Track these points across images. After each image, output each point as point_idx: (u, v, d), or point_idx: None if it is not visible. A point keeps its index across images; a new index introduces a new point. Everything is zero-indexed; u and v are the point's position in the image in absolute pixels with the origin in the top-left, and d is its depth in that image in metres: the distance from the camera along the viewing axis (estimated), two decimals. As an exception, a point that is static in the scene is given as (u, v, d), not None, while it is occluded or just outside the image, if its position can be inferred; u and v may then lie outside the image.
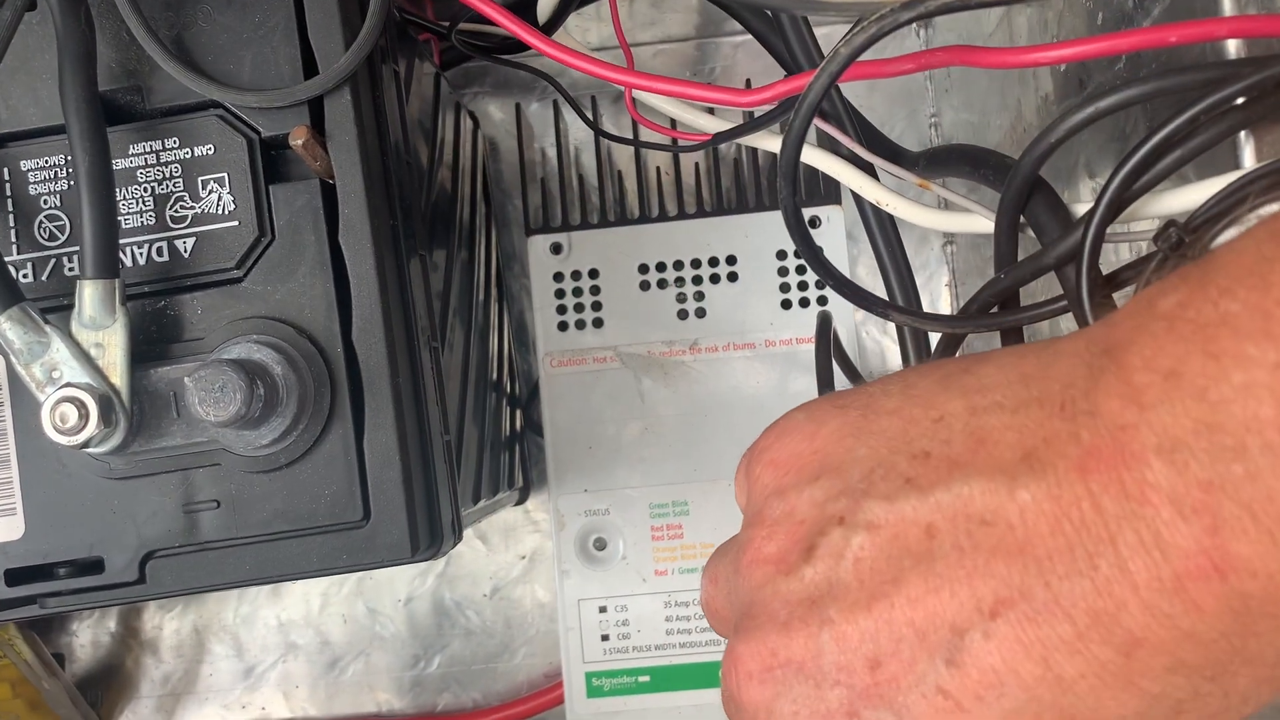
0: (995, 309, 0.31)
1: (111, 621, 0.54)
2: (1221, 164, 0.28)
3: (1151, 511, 0.17)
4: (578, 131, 0.53)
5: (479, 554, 0.54)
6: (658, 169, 0.50)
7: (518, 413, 0.53)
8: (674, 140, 0.40)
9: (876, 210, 0.36)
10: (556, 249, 0.48)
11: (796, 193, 0.28)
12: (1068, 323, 0.37)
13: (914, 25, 0.52)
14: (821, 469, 0.21)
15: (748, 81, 0.52)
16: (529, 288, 0.54)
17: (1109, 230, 0.28)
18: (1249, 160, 0.27)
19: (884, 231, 0.36)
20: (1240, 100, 0.27)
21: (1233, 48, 0.27)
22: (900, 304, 0.35)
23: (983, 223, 0.32)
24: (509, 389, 0.52)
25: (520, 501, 0.53)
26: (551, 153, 0.52)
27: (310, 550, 0.32)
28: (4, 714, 0.48)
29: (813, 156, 0.36)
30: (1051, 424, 0.18)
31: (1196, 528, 0.16)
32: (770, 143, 0.39)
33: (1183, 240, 0.27)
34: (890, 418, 0.21)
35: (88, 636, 0.54)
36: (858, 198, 0.36)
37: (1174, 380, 0.17)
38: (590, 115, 0.50)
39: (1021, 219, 0.30)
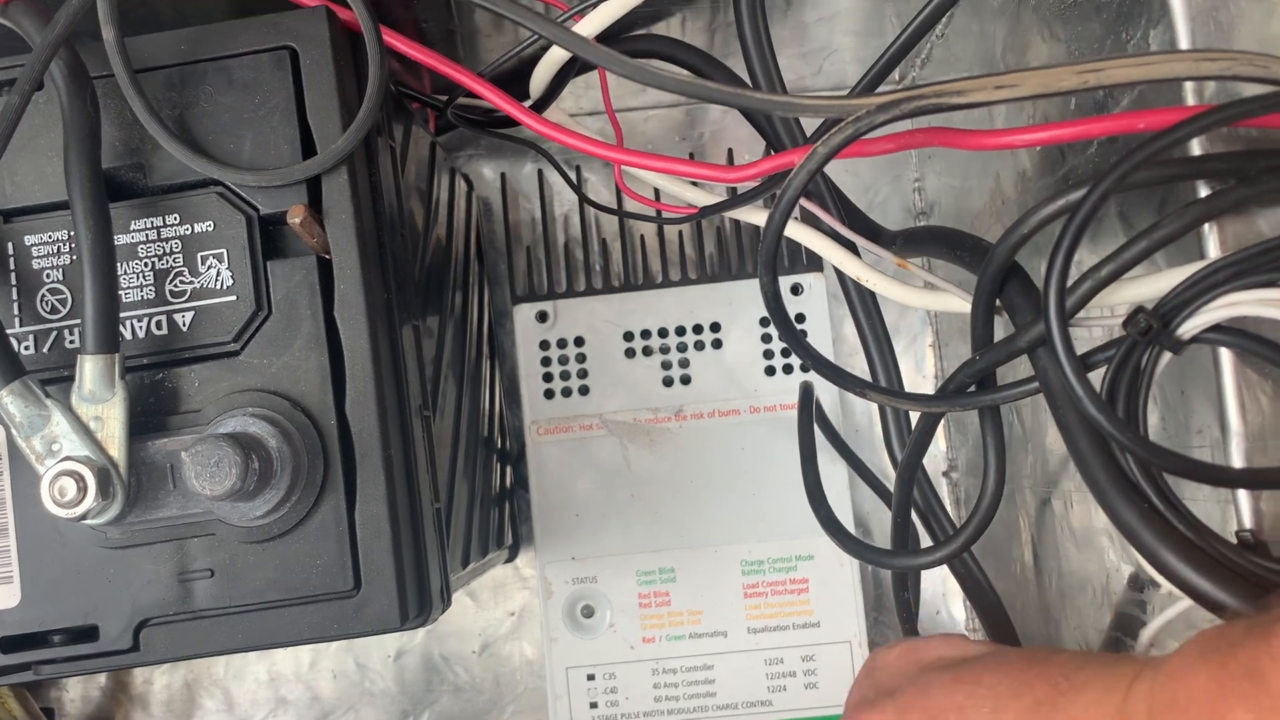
0: (972, 388, 0.32)
1: (102, 677, 0.55)
2: (1189, 252, 0.29)
3: None
4: (566, 196, 0.54)
5: (468, 611, 0.55)
6: (642, 236, 0.51)
7: (508, 469, 0.54)
8: (658, 212, 0.42)
9: (858, 286, 0.37)
10: (542, 317, 0.49)
11: (775, 279, 0.29)
12: (1039, 402, 0.38)
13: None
14: None
15: (729, 154, 0.53)
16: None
17: (1081, 315, 0.29)
18: (1214, 250, 0.28)
19: (865, 307, 0.37)
20: (1204, 192, 0.28)
21: (1195, 141, 0.28)
22: (881, 380, 0.36)
23: (959, 303, 0.33)
24: (499, 445, 0.53)
25: (510, 559, 0.53)
26: (539, 218, 0.53)
27: (302, 619, 0.33)
28: (-7, 771, 0.49)
29: (796, 232, 0.37)
30: None
31: None
32: (754, 216, 0.40)
33: (1151, 326, 0.28)
34: None
35: (78, 692, 0.55)
36: (840, 274, 0.37)
37: None
38: (577, 182, 0.51)
39: (997, 303, 0.31)
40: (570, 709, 0.47)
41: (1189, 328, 0.27)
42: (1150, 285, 0.29)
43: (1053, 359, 0.28)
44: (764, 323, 0.48)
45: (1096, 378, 0.29)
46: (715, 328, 0.48)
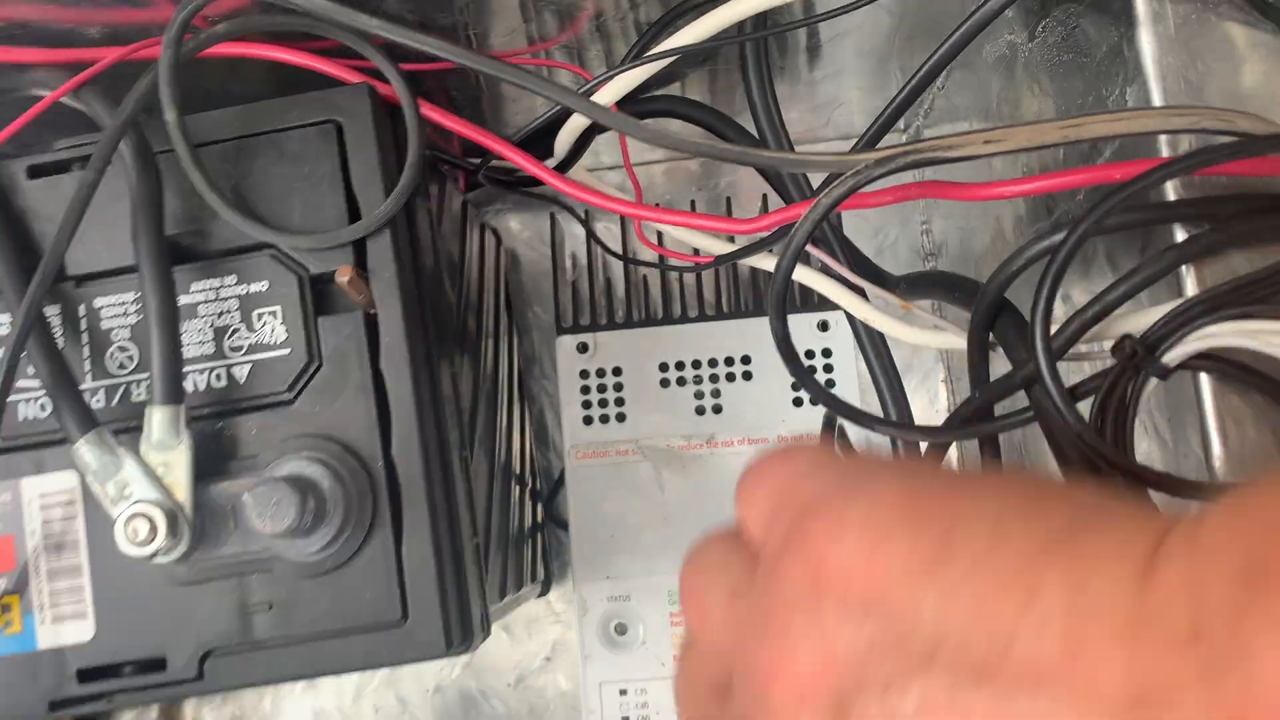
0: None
1: (153, 713, 0.57)
2: (1174, 289, 0.31)
3: None
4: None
5: (503, 645, 0.57)
6: (680, 275, 0.53)
7: (539, 507, 0.56)
8: (661, 259, 0.44)
9: (867, 327, 0.39)
10: (583, 348, 0.51)
11: (784, 322, 0.32)
12: (1034, 431, 0.40)
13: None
14: (873, 604, 0.17)
15: (727, 203, 0.56)
16: (548, 389, 0.58)
17: (1074, 349, 0.31)
18: (1191, 288, 0.31)
19: (874, 346, 0.40)
20: (1180, 235, 0.31)
21: (1170, 187, 0.31)
22: (891, 414, 0.38)
23: (959, 341, 0.35)
24: (530, 484, 0.55)
25: (543, 593, 0.55)
26: (582, 257, 0.56)
27: (354, 648, 0.35)
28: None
29: (809, 277, 0.40)
30: (1175, 661, 0.15)
31: None
32: (767, 263, 0.42)
33: (1136, 352, 0.30)
34: (971, 565, 0.17)
35: (132, 728, 0.57)
36: (849, 315, 0.39)
37: None
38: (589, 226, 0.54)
39: (991, 337, 0.34)
40: (603, 725, 0.49)
41: (1172, 357, 0.29)
42: (1136, 320, 0.31)
43: (1044, 393, 0.31)
44: (791, 358, 0.51)
45: (1086, 405, 0.31)
46: (746, 360, 0.51)
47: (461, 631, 0.36)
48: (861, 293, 0.39)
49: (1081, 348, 0.32)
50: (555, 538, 0.57)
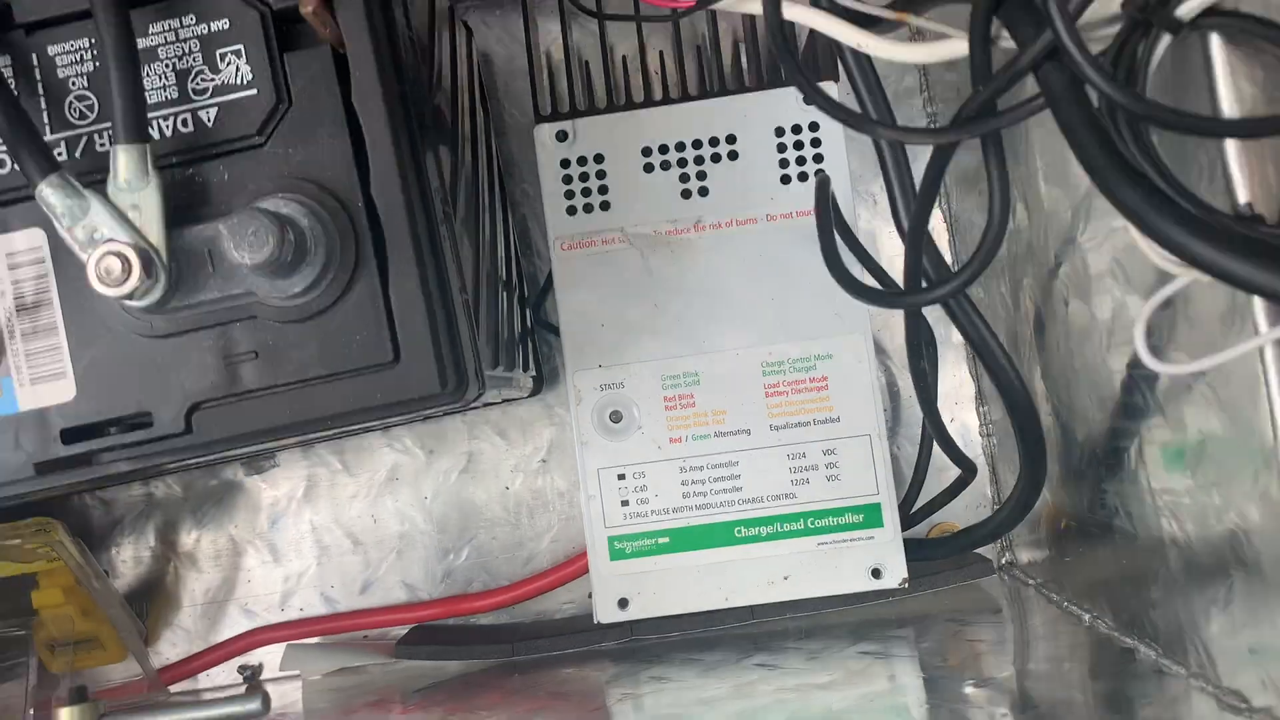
0: (974, 118, 0.33)
1: (151, 538, 0.57)
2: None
3: None
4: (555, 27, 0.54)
5: (499, 449, 0.56)
6: (660, 53, 0.51)
7: (527, 312, 0.55)
8: (636, 7, 0.42)
9: (855, 54, 0.37)
10: (562, 136, 0.49)
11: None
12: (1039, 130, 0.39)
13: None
14: None
15: None
16: (529, 192, 0.56)
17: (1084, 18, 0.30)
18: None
19: (863, 71, 0.38)
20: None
21: None
22: (888, 158, 0.37)
23: (958, 46, 0.34)
24: (519, 290, 0.54)
25: (535, 392, 0.55)
26: (557, 53, 0.54)
27: (346, 391, 0.34)
28: (59, 618, 0.51)
29: (798, 14, 0.38)
30: None
31: None
32: (753, 5, 0.40)
33: (1149, 2, 0.29)
34: None
35: (129, 553, 0.57)
36: (838, 46, 0.38)
37: None
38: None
39: (996, 26, 0.32)
40: (604, 507, 0.49)
41: (1186, 9, 0.28)
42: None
43: (1060, 67, 0.29)
44: (778, 133, 0.49)
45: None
46: (730, 139, 0.49)
47: (456, 375, 0.35)
48: (854, 19, 0.37)
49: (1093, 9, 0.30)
50: (545, 341, 0.56)
